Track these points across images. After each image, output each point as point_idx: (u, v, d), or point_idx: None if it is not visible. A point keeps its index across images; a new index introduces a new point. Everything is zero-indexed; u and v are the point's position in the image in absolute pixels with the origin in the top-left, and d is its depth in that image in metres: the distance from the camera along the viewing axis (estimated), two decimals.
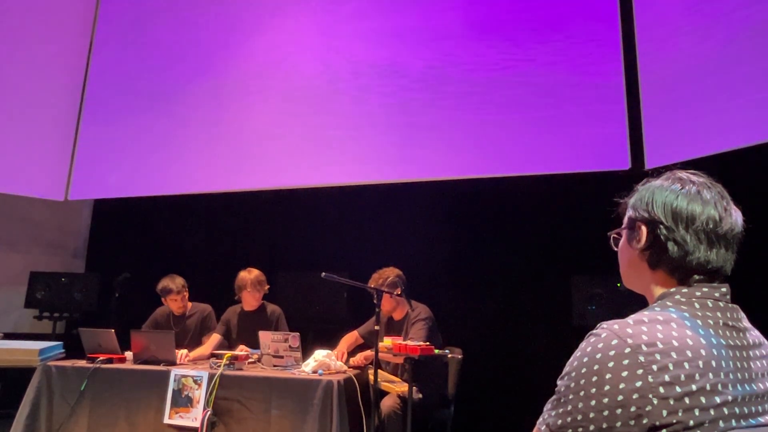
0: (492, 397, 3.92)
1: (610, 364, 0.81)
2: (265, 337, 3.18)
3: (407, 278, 3.37)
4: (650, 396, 0.78)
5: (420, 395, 3.02)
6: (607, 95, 3.74)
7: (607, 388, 0.80)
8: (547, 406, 0.88)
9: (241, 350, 3.36)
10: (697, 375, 0.79)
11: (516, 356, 3.98)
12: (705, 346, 0.82)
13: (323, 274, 2.84)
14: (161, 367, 3.03)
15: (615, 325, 0.85)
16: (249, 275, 3.62)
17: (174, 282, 3.70)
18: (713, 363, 0.81)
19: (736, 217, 0.93)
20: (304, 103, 4.49)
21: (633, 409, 0.78)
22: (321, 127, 4.39)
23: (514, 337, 4.04)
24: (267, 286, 3.70)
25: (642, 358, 0.79)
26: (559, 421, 0.84)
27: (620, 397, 0.79)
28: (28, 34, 4.89)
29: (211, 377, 2.86)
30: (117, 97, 5.03)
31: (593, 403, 0.81)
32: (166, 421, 2.87)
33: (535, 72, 3.94)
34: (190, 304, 3.86)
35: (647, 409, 0.78)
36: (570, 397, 0.83)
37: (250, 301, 3.65)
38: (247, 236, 4.98)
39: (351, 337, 3.51)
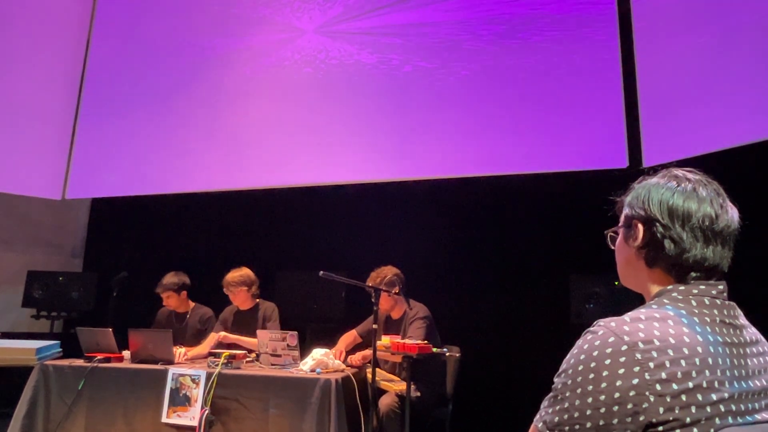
0: (490, 396, 3.93)
1: (607, 362, 0.81)
2: (262, 335, 3.18)
3: (405, 277, 3.37)
4: (647, 393, 0.78)
5: (418, 394, 3.02)
6: (605, 94, 3.74)
7: (604, 385, 0.80)
8: (544, 403, 0.88)
9: (221, 337, 3.41)
10: (693, 372, 0.79)
11: (514, 354, 3.98)
12: (702, 343, 0.82)
13: (321, 272, 2.84)
14: (159, 366, 3.03)
15: (612, 322, 0.85)
16: (229, 276, 3.61)
17: (165, 279, 3.75)
18: (710, 360, 0.81)
19: (732, 215, 0.93)
20: (303, 103, 4.49)
21: (630, 406, 0.78)
22: (320, 126, 4.38)
23: (513, 335, 4.04)
24: (243, 287, 3.60)
25: (639, 356, 0.80)
26: (556, 419, 0.84)
27: (617, 395, 0.79)
28: (25, 33, 4.87)
29: (209, 376, 2.86)
30: (114, 96, 5.02)
31: (590, 400, 0.81)
32: (164, 420, 2.86)
33: (532, 71, 3.94)
34: (192, 304, 3.89)
35: (644, 406, 0.78)
36: (567, 394, 0.84)
37: (234, 300, 3.66)
38: (245, 235, 4.97)
39: (349, 336, 3.51)
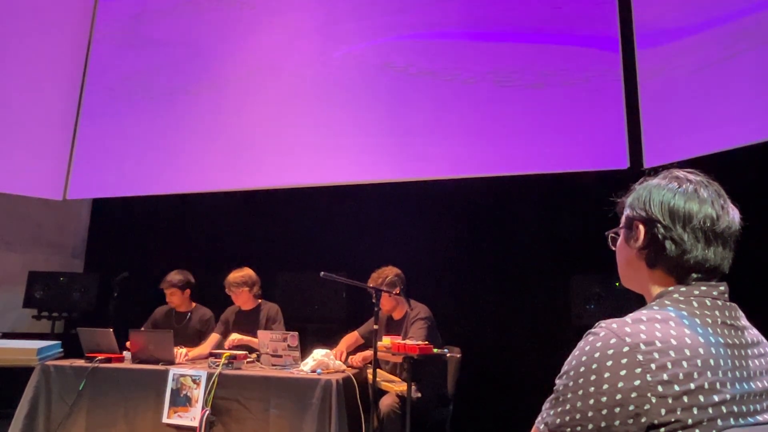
0: (491, 396, 3.92)
1: (609, 363, 0.81)
2: (263, 336, 3.18)
3: (406, 277, 3.37)
4: (648, 395, 0.78)
5: (419, 394, 3.02)
6: (606, 94, 3.74)
7: (605, 387, 0.80)
8: (546, 405, 0.88)
9: (236, 341, 3.38)
10: (695, 374, 0.79)
11: (515, 355, 3.98)
12: (703, 344, 0.82)
13: (322, 273, 2.84)
14: (160, 367, 3.03)
15: (613, 324, 0.85)
16: (231, 276, 3.61)
17: (170, 276, 3.74)
18: (711, 361, 0.81)
19: (733, 216, 0.93)
20: (303, 103, 4.49)
21: (631, 408, 0.78)
22: (320, 126, 4.38)
23: (513, 336, 4.04)
24: (245, 288, 3.60)
25: (640, 357, 0.80)
26: (558, 420, 0.84)
27: (619, 396, 0.79)
28: (27, 34, 4.88)
29: (209, 377, 2.86)
30: (115, 96, 5.03)
31: (592, 402, 0.81)
32: (165, 420, 2.86)
33: (533, 72, 3.94)
34: (193, 304, 3.88)
35: (646, 408, 0.78)
36: (569, 396, 0.84)
37: (236, 301, 3.66)
38: (246, 235, 4.97)
39: (351, 338, 3.50)
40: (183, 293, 3.77)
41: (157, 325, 3.81)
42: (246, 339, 3.45)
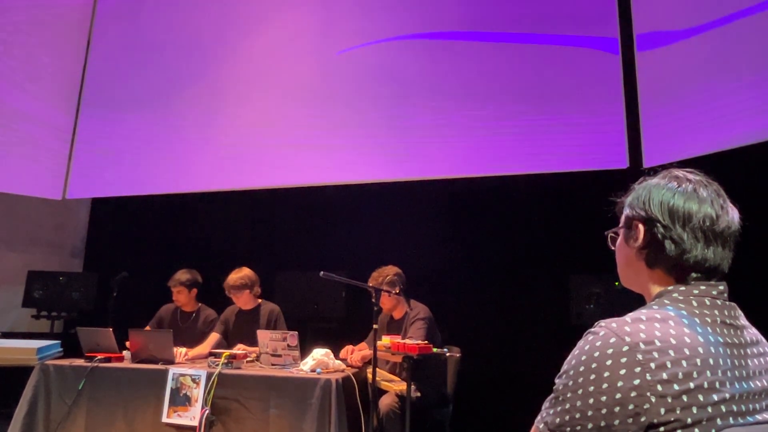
0: (490, 396, 3.92)
1: (608, 363, 0.81)
2: (263, 335, 3.18)
3: (406, 277, 3.36)
4: (648, 394, 0.78)
5: (418, 394, 3.02)
6: (606, 94, 3.75)
7: (605, 386, 0.80)
8: (546, 404, 0.88)
9: (240, 349, 3.36)
10: (694, 373, 0.79)
11: (514, 355, 3.98)
12: (703, 344, 0.82)
13: (322, 273, 2.83)
14: (159, 366, 3.03)
15: (613, 323, 0.85)
16: (230, 278, 3.59)
17: (178, 274, 3.75)
18: (711, 361, 0.81)
19: (732, 215, 0.93)
20: (303, 103, 4.49)
21: (631, 407, 0.78)
22: (320, 126, 4.39)
23: (513, 335, 4.04)
24: (246, 290, 3.59)
25: (640, 357, 0.80)
26: (558, 420, 0.84)
27: (618, 396, 0.79)
28: (26, 33, 4.88)
29: (209, 376, 2.86)
30: (114, 97, 5.03)
31: (591, 401, 0.81)
32: (165, 420, 2.86)
33: (533, 71, 3.95)
34: (199, 304, 3.88)
35: (645, 407, 0.78)
36: (568, 395, 0.84)
37: (236, 302, 3.66)
38: (246, 235, 4.97)
39: (363, 348, 3.47)
40: (190, 292, 3.78)
41: (163, 324, 3.82)
42: (251, 350, 3.39)
